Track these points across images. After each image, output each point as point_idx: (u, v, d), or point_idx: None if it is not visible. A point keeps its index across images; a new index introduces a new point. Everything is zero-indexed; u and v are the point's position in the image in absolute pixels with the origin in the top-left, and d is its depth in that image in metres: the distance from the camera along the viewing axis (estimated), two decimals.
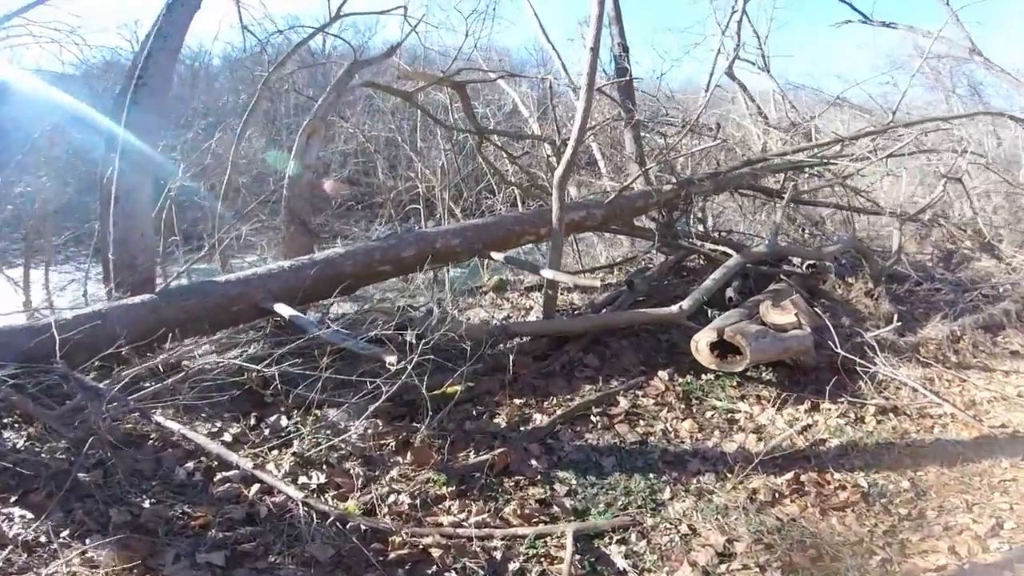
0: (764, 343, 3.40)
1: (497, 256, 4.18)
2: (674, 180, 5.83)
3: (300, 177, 3.97)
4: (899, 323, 4.39)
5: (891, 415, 3.55)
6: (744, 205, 7.71)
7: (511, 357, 3.44)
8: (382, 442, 2.87)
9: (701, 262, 6.10)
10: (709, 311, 4.31)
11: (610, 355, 3.95)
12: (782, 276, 5.31)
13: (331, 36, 6.93)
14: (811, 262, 5.80)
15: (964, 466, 3.08)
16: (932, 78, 11.78)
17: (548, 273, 3.72)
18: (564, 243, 4.27)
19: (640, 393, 3.56)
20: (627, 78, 6.26)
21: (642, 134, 6.51)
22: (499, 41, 19.05)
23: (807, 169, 6.52)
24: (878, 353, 4.07)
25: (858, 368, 3.84)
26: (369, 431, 2.91)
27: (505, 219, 4.75)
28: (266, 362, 2.80)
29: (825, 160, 6.22)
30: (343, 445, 2.78)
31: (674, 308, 4.08)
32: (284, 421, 3.00)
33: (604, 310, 4.61)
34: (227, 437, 2.87)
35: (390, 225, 8.29)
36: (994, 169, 7.65)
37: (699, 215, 6.75)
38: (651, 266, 6.08)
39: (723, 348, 3.45)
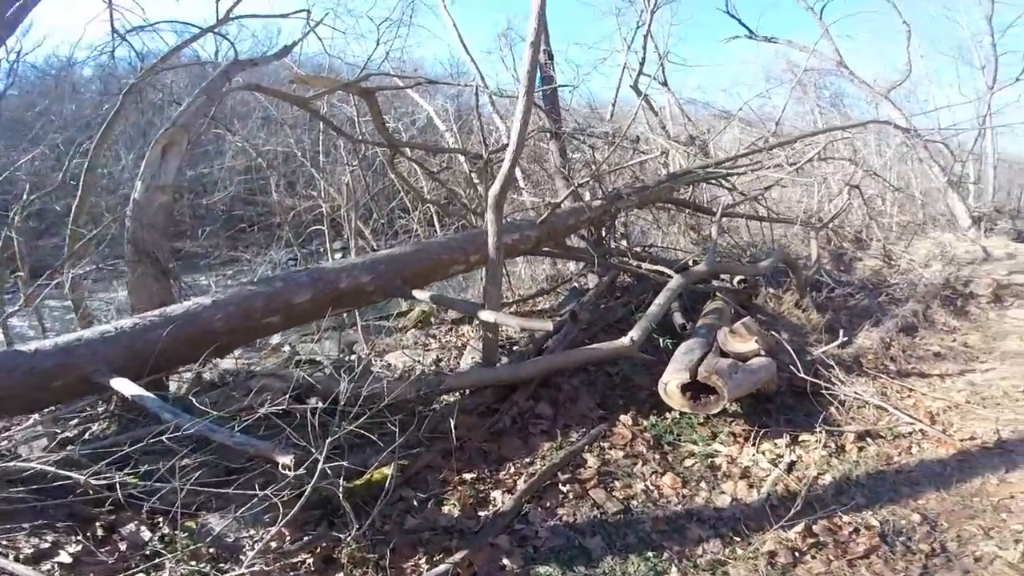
0: (738, 379, 3.03)
1: (421, 295, 3.47)
2: (601, 195, 5.51)
3: (152, 201, 2.99)
4: (845, 339, 4.28)
5: (868, 439, 3.33)
6: (660, 218, 7.64)
7: (451, 420, 2.78)
8: (294, 560, 2.11)
9: (628, 279, 5.81)
10: (661, 340, 3.93)
11: (563, 400, 3.42)
12: (717, 293, 5.11)
13: (223, 47, 5.87)
14: (742, 277, 5.70)
15: (959, 487, 2.96)
16: (800, 91, 12.86)
17: (489, 316, 3.09)
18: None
19: (606, 445, 3.04)
20: (553, 86, 5.86)
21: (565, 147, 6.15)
22: (413, 54, 18.22)
23: (719, 180, 6.56)
24: (834, 370, 3.92)
25: (823, 391, 3.65)
26: (273, 544, 2.14)
27: (428, 246, 4.02)
28: (92, 469, 1.95)
29: (744, 171, 6.24)
30: (236, 567, 2.01)
31: (625, 340, 3.62)
32: (146, 533, 2.20)
33: (548, 343, 4.07)
34: (64, 557, 2.06)
35: (289, 250, 7.30)
36: (881, 176, 8.17)
37: (622, 231, 6.51)
38: (581, 287, 5.70)
39: (694, 388, 3.04)
